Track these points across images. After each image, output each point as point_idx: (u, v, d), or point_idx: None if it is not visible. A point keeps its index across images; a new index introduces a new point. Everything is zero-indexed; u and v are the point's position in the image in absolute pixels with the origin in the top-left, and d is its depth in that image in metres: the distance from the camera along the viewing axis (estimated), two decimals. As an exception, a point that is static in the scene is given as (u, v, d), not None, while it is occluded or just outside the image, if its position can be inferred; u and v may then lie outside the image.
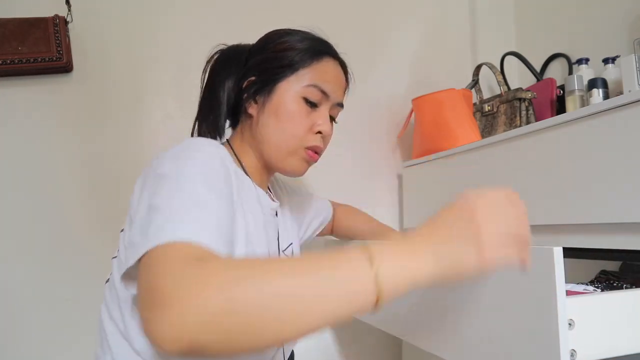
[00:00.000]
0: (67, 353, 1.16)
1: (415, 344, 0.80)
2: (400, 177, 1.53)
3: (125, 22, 1.27)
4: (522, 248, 0.50)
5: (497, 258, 0.48)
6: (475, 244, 0.47)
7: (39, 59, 1.13)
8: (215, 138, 0.82)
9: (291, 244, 0.94)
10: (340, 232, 1.17)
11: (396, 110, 1.53)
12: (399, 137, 1.51)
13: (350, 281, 0.45)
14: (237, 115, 0.86)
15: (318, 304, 0.44)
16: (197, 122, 0.85)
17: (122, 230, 0.72)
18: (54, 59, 1.14)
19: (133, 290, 0.61)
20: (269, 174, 0.87)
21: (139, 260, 0.51)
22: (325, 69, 0.81)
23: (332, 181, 1.45)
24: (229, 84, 0.83)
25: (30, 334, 1.15)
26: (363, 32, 1.52)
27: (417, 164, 1.37)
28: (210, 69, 0.86)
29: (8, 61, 1.12)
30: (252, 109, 0.82)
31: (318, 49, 0.82)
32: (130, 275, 0.57)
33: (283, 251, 0.89)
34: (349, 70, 0.89)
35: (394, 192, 1.53)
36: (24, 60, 1.12)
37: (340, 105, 0.86)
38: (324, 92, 0.80)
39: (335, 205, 1.18)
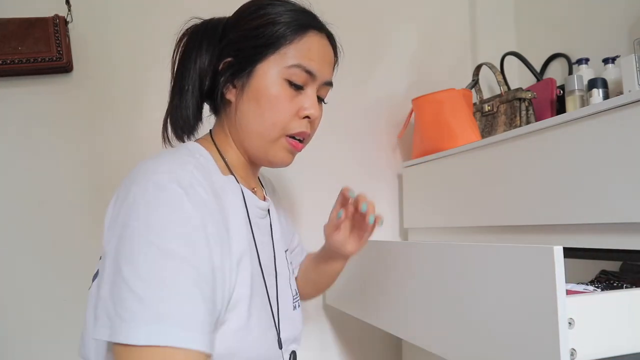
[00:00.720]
0: (67, 353, 1.16)
1: (415, 344, 0.80)
2: (400, 177, 1.53)
3: (125, 22, 1.27)
4: None
5: None
6: None
7: (39, 59, 1.13)
8: (190, 133, 0.75)
9: (287, 249, 0.89)
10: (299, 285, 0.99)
11: (396, 110, 1.53)
12: (399, 137, 1.51)
13: None
14: (215, 101, 0.76)
15: None
16: (168, 116, 0.75)
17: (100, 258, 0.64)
18: (54, 59, 1.14)
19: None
20: (255, 168, 0.80)
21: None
22: (309, 45, 0.71)
23: (332, 181, 1.45)
24: (202, 66, 0.73)
25: (30, 334, 1.15)
26: (363, 32, 1.52)
27: (417, 164, 1.37)
28: (182, 49, 0.76)
29: (8, 61, 1.12)
30: (231, 95, 0.73)
31: (300, 22, 0.71)
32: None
33: (285, 251, 0.85)
34: (337, 42, 0.79)
35: (394, 192, 1.53)
36: (24, 60, 1.12)
37: (329, 84, 0.76)
38: (309, 72, 0.71)
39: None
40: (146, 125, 1.27)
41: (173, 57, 0.76)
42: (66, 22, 1.17)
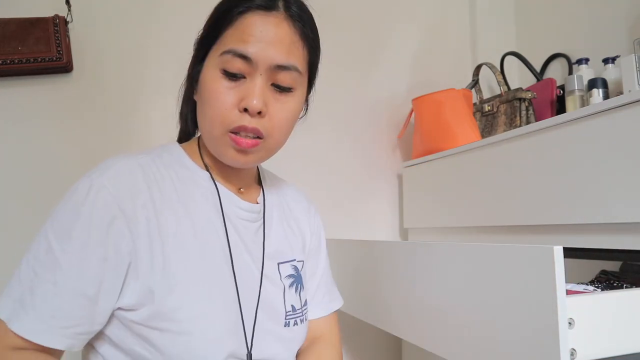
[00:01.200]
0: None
1: (415, 343, 0.80)
2: (400, 177, 1.53)
3: (125, 22, 1.27)
4: None
5: None
6: None
7: (39, 59, 1.13)
8: (191, 133, 0.78)
9: (302, 261, 0.81)
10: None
11: (396, 110, 1.53)
12: (399, 137, 1.51)
13: None
14: None
15: None
16: (179, 116, 0.78)
17: None
18: (54, 59, 1.14)
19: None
20: (240, 169, 0.74)
21: None
22: (244, 27, 0.63)
23: (332, 181, 1.45)
24: (189, 73, 0.73)
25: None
26: (363, 32, 1.52)
27: (417, 164, 1.37)
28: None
29: (8, 61, 1.12)
30: (196, 95, 0.71)
31: (232, 4, 0.64)
32: None
33: (280, 263, 0.77)
34: (309, 21, 0.68)
35: (394, 192, 1.53)
36: (24, 60, 1.12)
37: (285, 67, 0.64)
38: (243, 57, 0.62)
39: (325, 328, 0.86)
40: (146, 125, 1.27)
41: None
42: (66, 22, 1.17)
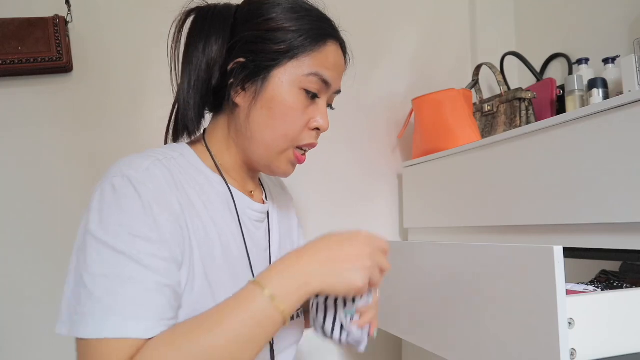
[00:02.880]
0: (67, 353, 1.16)
1: (415, 343, 0.80)
2: (400, 177, 1.53)
3: (125, 22, 1.27)
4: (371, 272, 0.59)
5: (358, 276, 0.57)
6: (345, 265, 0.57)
7: (39, 59, 1.13)
8: (191, 133, 0.72)
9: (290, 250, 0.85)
10: None
11: (396, 110, 1.53)
12: (399, 137, 1.51)
13: (255, 315, 0.53)
14: (218, 99, 0.71)
15: (240, 344, 0.52)
16: (173, 111, 0.71)
17: None
18: (54, 59, 1.14)
19: None
20: (254, 172, 0.77)
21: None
22: (327, 54, 0.69)
23: (332, 181, 1.45)
24: (209, 60, 0.68)
25: (30, 334, 1.15)
26: (363, 32, 1.52)
27: (417, 164, 1.37)
28: (188, 35, 0.70)
29: (8, 61, 1.12)
30: (240, 98, 0.68)
31: (320, 32, 0.68)
32: None
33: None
34: (348, 51, 0.77)
35: (394, 192, 1.53)
36: (24, 60, 1.12)
37: (338, 92, 0.75)
38: (325, 82, 0.69)
39: None
40: (146, 125, 1.27)
41: (174, 41, 0.71)
42: (66, 22, 1.17)
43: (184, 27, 0.72)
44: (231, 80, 0.68)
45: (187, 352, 0.50)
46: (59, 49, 1.14)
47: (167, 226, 0.58)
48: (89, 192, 1.25)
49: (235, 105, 0.69)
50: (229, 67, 0.68)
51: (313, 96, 0.69)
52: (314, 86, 0.68)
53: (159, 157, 0.64)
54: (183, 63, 0.70)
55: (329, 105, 0.75)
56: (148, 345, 0.52)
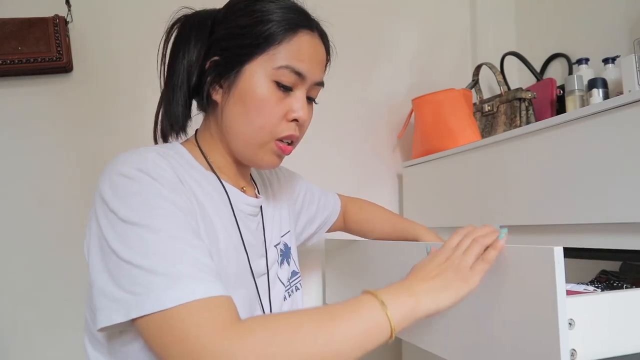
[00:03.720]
0: (67, 353, 1.16)
1: (415, 344, 0.80)
2: (400, 177, 1.53)
3: (125, 22, 1.27)
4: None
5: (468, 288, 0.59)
6: (451, 283, 0.59)
7: (39, 59, 1.13)
8: (178, 133, 0.74)
9: (288, 232, 0.87)
10: (353, 227, 1.08)
11: (396, 110, 1.53)
12: (399, 137, 1.51)
13: (372, 326, 0.54)
14: (204, 99, 0.74)
15: (350, 349, 0.52)
16: (159, 111, 0.74)
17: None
18: (54, 59, 1.14)
19: (115, 338, 0.61)
20: (244, 168, 0.79)
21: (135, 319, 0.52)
22: (299, 45, 0.68)
23: (332, 181, 1.45)
24: (189, 62, 0.71)
25: (30, 334, 1.15)
26: (363, 31, 1.52)
27: (417, 164, 1.37)
28: (172, 42, 0.73)
29: (8, 61, 1.12)
30: (217, 95, 0.71)
31: (291, 21, 0.68)
32: (114, 327, 0.55)
33: (275, 246, 0.83)
34: (329, 41, 0.76)
35: (394, 192, 1.53)
36: (24, 60, 1.12)
37: (320, 84, 0.74)
38: (298, 74, 0.68)
39: (345, 200, 1.10)
40: (146, 125, 1.25)
41: (162, 48, 0.74)
42: (66, 22, 1.17)
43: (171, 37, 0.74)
44: (209, 78, 0.70)
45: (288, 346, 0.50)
46: (59, 49, 1.14)
47: (185, 205, 0.60)
48: (89, 192, 1.25)
49: (215, 102, 0.72)
50: (206, 66, 0.70)
51: (286, 88, 0.69)
52: (286, 79, 0.68)
53: (159, 152, 0.65)
54: (167, 69, 0.73)
55: (312, 99, 0.75)
56: (259, 329, 0.51)
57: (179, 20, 0.74)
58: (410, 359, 1.36)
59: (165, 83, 0.74)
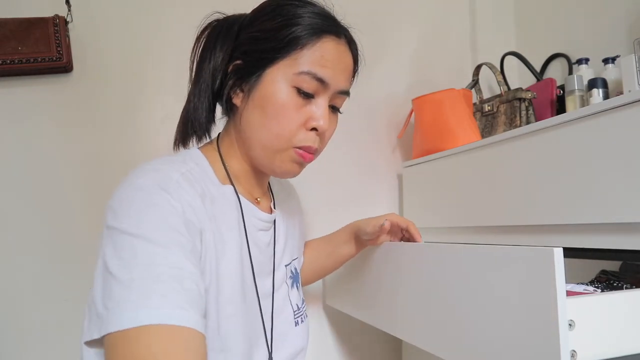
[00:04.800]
0: (67, 353, 1.16)
1: (415, 344, 0.80)
2: (400, 177, 1.53)
3: (125, 22, 1.27)
4: None
5: None
6: None
7: (39, 59, 1.13)
8: (200, 137, 0.73)
9: (297, 258, 0.84)
10: (309, 276, 0.98)
11: (396, 110, 1.53)
12: (399, 137, 1.51)
13: None
14: (226, 104, 0.73)
15: None
16: (183, 115, 0.73)
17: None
18: (54, 59, 1.14)
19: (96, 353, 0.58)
20: (262, 177, 0.76)
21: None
22: (323, 51, 0.66)
23: (332, 181, 1.45)
24: (215, 66, 0.69)
25: (30, 334, 1.15)
26: (363, 31, 1.51)
27: (417, 164, 1.37)
28: (200, 46, 0.72)
29: (8, 61, 1.11)
30: (237, 99, 0.69)
31: (315, 26, 0.66)
32: (94, 342, 0.54)
33: (286, 266, 0.79)
34: (358, 48, 0.74)
35: (394, 192, 1.53)
36: (24, 60, 1.12)
37: (344, 93, 0.71)
38: (320, 80, 0.66)
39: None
40: (146, 125, 1.27)
41: (192, 53, 0.73)
42: (66, 22, 1.17)
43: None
44: (230, 82, 0.68)
45: None
46: (59, 49, 1.14)
47: (190, 234, 0.57)
48: (89, 192, 1.26)
49: (235, 107, 0.70)
50: (229, 70, 0.69)
51: (307, 95, 0.66)
52: (307, 85, 0.65)
53: (181, 170, 0.62)
54: (194, 74, 0.72)
55: (335, 108, 0.72)
56: None
57: (209, 25, 0.73)
58: (410, 359, 1.36)
59: (192, 87, 0.72)
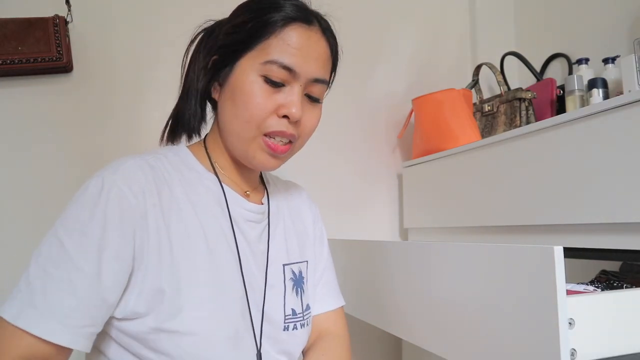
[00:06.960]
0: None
1: (415, 343, 0.80)
2: (400, 177, 1.53)
3: (125, 22, 1.27)
4: None
5: None
6: None
7: (39, 59, 1.13)
8: (190, 136, 0.75)
9: (306, 261, 0.81)
10: None
11: (396, 110, 1.53)
12: (399, 137, 1.51)
13: None
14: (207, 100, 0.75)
15: None
16: (171, 116, 0.76)
17: None
18: (54, 59, 1.14)
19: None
20: (248, 171, 0.76)
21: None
22: (290, 38, 0.65)
23: (332, 181, 1.45)
24: (199, 66, 0.72)
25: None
26: (363, 31, 1.52)
27: (417, 164, 1.37)
28: (190, 55, 0.75)
29: (8, 61, 1.11)
30: (216, 93, 0.71)
31: (283, 14, 0.66)
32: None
33: (285, 265, 0.77)
34: (335, 37, 0.73)
35: (394, 192, 1.53)
36: (24, 60, 1.12)
37: (320, 81, 0.69)
38: (287, 68, 0.65)
39: (326, 324, 0.85)
40: (146, 125, 1.27)
41: (183, 60, 0.76)
42: (66, 22, 1.17)
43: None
44: (210, 78, 0.71)
45: None
46: (59, 49, 1.14)
47: (116, 237, 0.61)
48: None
49: (215, 101, 0.73)
50: (208, 66, 0.71)
51: (276, 84, 0.66)
52: (274, 74, 0.65)
53: (145, 157, 0.67)
54: (184, 78, 0.76)
55: (312, 97, 0.70)
56: None
57: (197, 36, 0.76)
58: (410, 359, 1.36)
59: (181, 90, 0.76)
